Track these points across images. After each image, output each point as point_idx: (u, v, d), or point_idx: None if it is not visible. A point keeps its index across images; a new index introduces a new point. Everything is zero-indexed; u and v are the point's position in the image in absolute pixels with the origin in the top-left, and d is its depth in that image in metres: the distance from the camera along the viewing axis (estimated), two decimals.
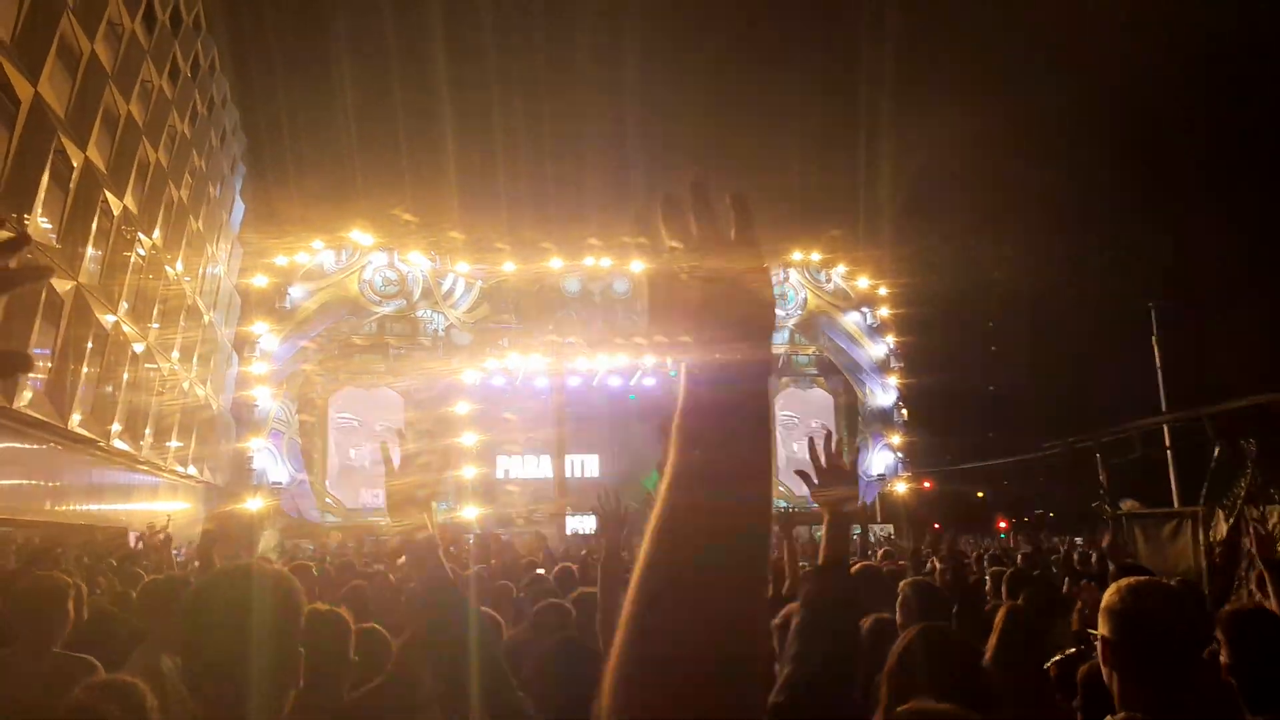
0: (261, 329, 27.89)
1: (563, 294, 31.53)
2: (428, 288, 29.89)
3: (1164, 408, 20.31)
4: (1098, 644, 2.17)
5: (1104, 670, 2.14)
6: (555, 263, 30.93)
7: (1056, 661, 3.52)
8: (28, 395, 14.75)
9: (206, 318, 25.73)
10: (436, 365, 29.00)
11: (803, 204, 36.62)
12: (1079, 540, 11.83)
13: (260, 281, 28.13)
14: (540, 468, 31.47)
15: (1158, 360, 21.12)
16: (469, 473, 28.55)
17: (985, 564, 8.18)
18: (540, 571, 6.90)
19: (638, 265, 31.14)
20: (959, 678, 2.40)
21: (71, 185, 16.35)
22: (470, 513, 27.57)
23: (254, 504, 25.30)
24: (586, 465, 32.77)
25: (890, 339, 32.57)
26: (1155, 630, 2.06)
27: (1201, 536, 6.99)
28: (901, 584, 4.08)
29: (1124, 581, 2.18)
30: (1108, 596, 2.15)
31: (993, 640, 3.76)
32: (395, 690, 2.78)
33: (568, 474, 30.97)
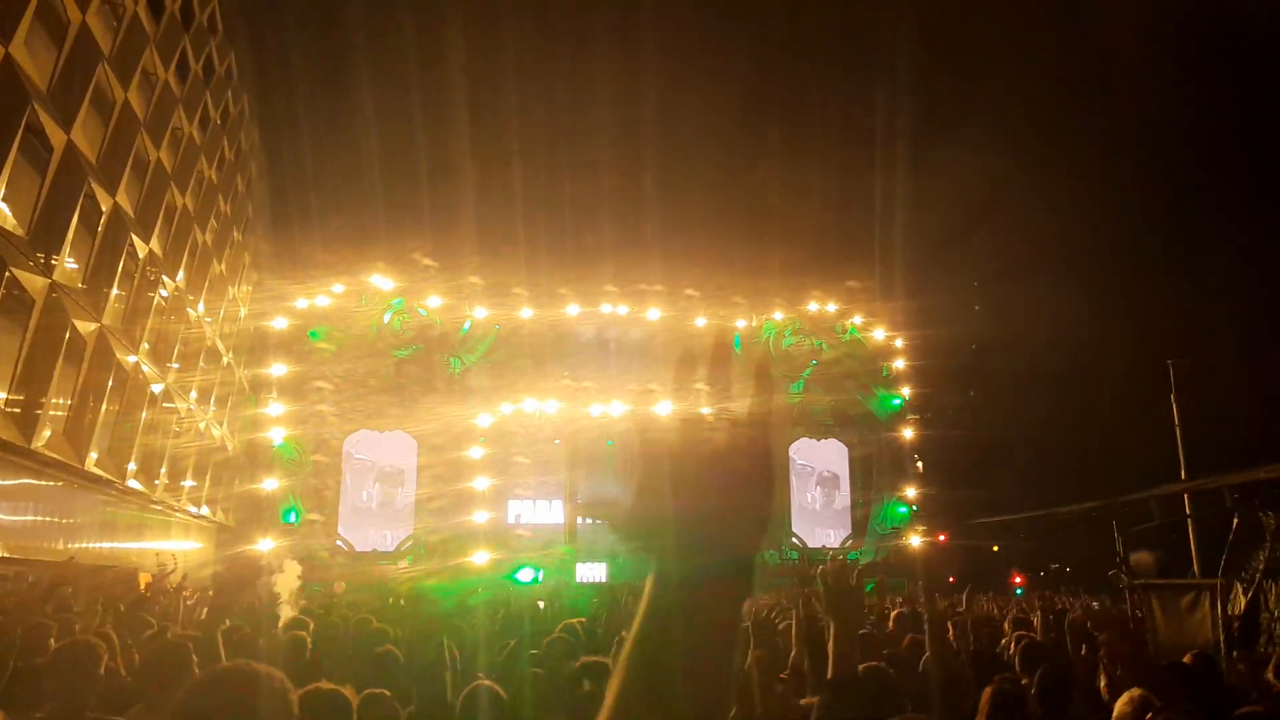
0: (279, 370, 28.11)
1: (577, 339, 31.68)
2: (444, 332, 30.07)
3: (1183, 469, 20.06)
4: None
5: None
6: (572, 309, 31.11)
7: None
8: (46, 434, 14.89)
9: (225, 359, 25.97)
10: (451, 409, 29.06)
11: (820, 253, 36.79)
12: (1094, 604, 11.68)
13: (280, 323, 28.41)
14: (552, 513, 31.33)
15: (1176, 419, 20.89)
16: (480, 517, 28.50)
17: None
18: None
19: (653, 313, 31.32)
20: None
21: (100, 228, 16.66)
22: (481, 557, 27.48)
23: (265, 545, 25.30)
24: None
25: (906, 390, 32.47)
26: None
27: (1219, 610, 6.88)
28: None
29: (1134, 692, 2.18)
30: (1119, 707, 2.15)
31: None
32: None
33: (579, 521, 30.84)
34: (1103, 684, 5.17)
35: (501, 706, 3.73)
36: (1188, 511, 13.83)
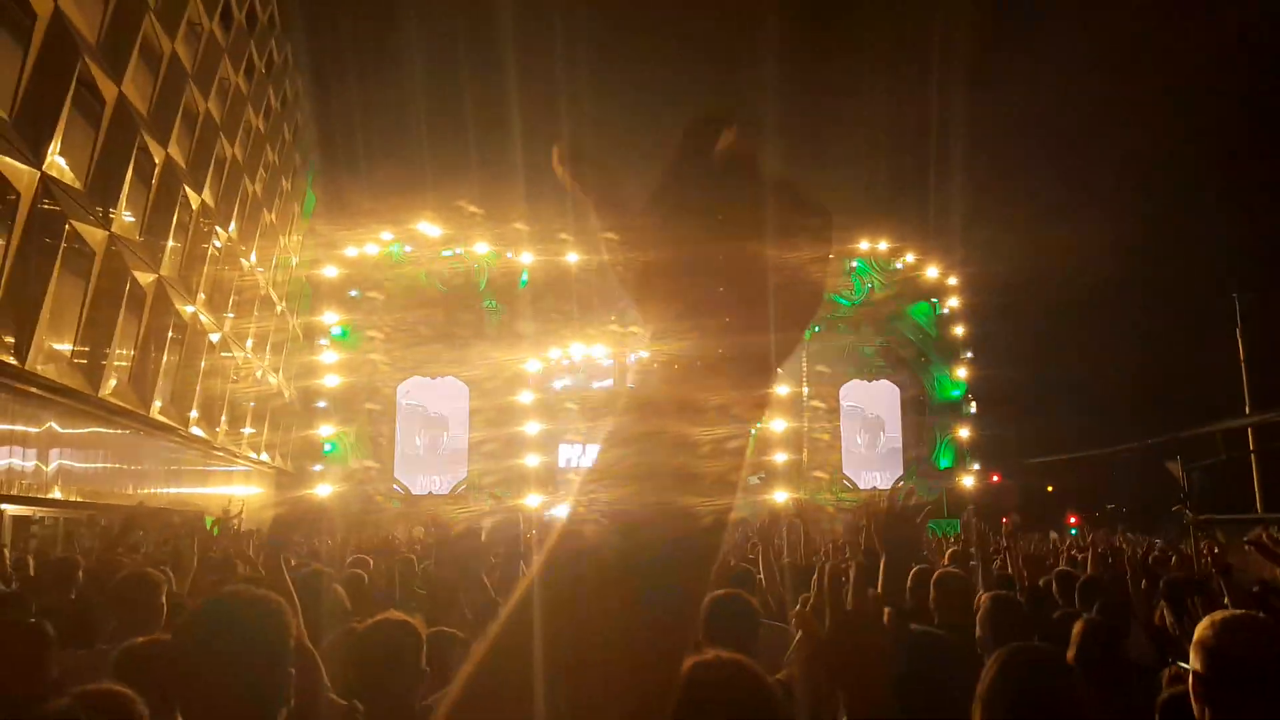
0: (331, 318, 28.51)
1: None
2: (493, 278, 30.18)
3: (1247, 404, 19.54)
4: (1189, 677, 2.10)
5: (1195, 705, 2.07)
6: None
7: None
8: (112, 383, 15.33)
9: (279, 307, 26.40)
10: (501, 355, 29.28)
11: (870, 188, 36.05)
12: (1158, 542, 11.44)
13: (331, 272, 28.74)
14: None
15: (1241, 354, 20.32)
16: (532, 461, 28.87)
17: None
18: None
19: None
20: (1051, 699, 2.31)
21: (154, 181, 16.91)
22: (533, 500, 27.89)
23: (323, 490, 25.94)
24: None
25: (960, 329, 31.91)
26: (1250, 668, 1.99)
27: None
28: (979, 598, 4.00)
29: (1218, 615, 2.11)
30: (1200, 630, 2.08)
31: (1071, 654, 3.67)
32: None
33: None
34: (1167, 619, 5.09)
35: None
36: (1251, 447, 13.49)
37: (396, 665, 2.74)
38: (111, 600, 3.92)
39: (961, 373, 31.69)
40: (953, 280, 32.15)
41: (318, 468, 25.89)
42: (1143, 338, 36.77)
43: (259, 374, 24.56)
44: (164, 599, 3.85)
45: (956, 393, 31.73)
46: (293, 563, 4.05)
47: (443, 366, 29.92)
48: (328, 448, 27.81)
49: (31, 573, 6.56)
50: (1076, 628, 3.79)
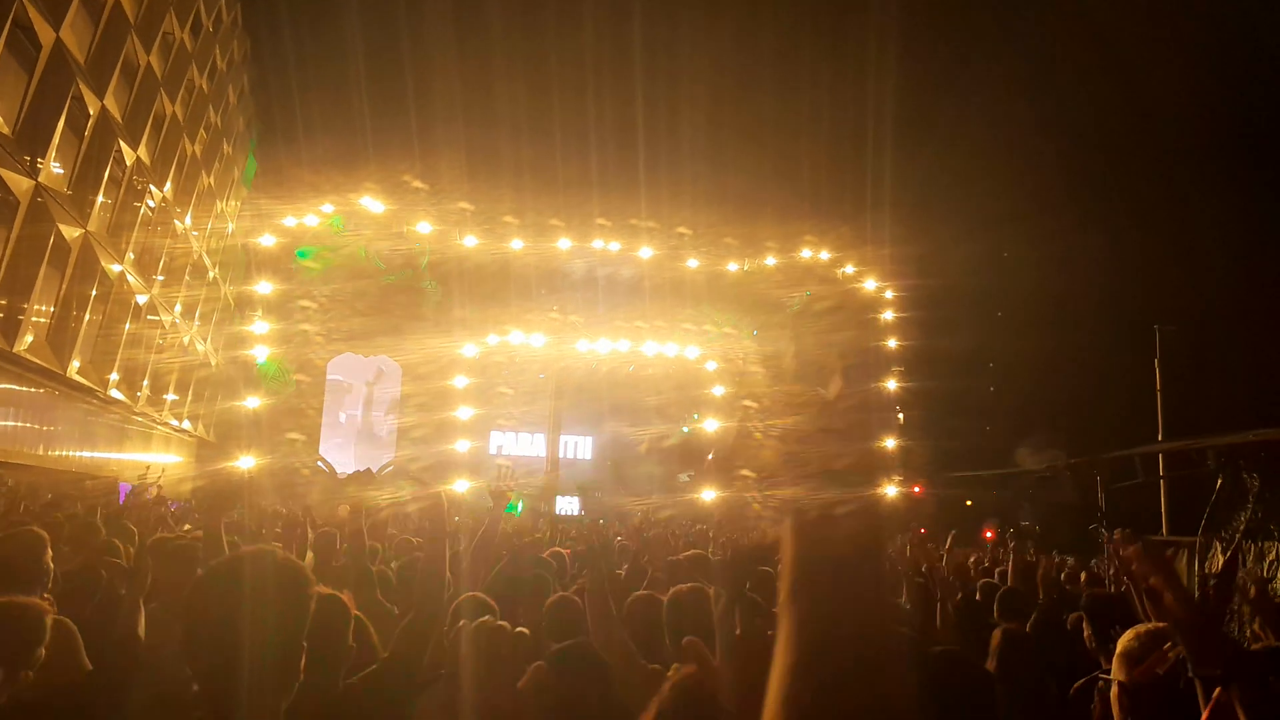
0: (265, 288, 27.80)
1: (568, 273, 31.46)
2: (434, 260, 29.78)
3: (1160, 430, 20.40)
4: (1114, 688, 2.19)
5: (1116, 713, 2.16)
6: (564, 243, 30.83)
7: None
8: (28, 339, 14.74)
9: (211, 274, 25.66)
10: (437, 339, 28.93)
11: (813, 194, 36.54)
12: (1069, 560, 11.87)
13: (268, 241, 28.02)
14: (534, 445, 31.59)
15: (1158, 383, 21.18)
16: (462, 446, 28.60)
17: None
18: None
19: (645, 251, 31.11)
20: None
21: (87, 133, 16.28)
22: (461, 486, 27.61)
23: (245, 462, 25.28)
24: (580, 446, 32.85)
25: (892, 341, 32.56)
26: (1170, 677, 2.07)
27: (1197, 567, 7.02)
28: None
29: (1141, 627, 2.20)
30: (1124, 642, 2.17)
31: (991, 664, 3.78)
32: (394, 674, 2.78)
33: (562, 454, 31.09)
34: (1085, 631, 5.27)
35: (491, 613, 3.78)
36: (1162, 472, 14.09)
37: (325, 640, 2.68)
38: None
39: (891, 384, 32.34)
40: (889, 294, 32.81)
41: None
42: (1067, 358, 37.95)
43: (186, 340, 23.85)
44: (49, 561, 3.70)
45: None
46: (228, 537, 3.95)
47: (376, 345, 29.44)
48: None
49: None
50: (995, 636, 3.91)
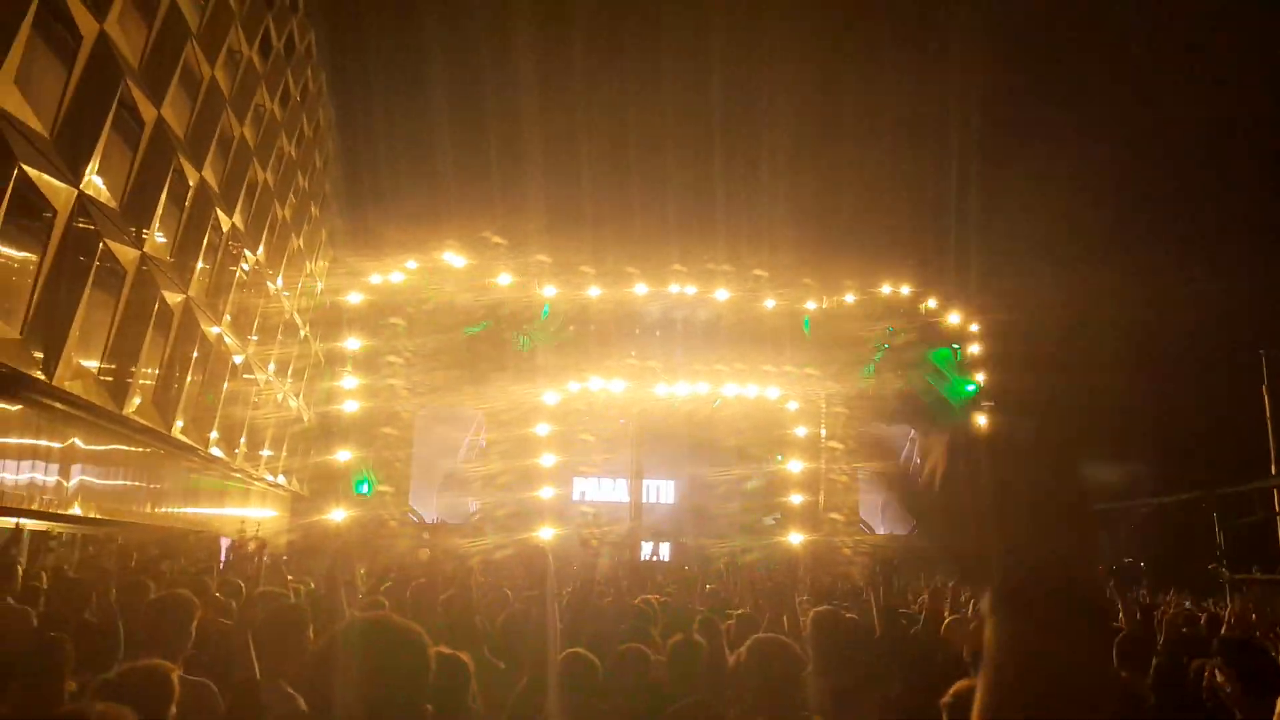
0: (353, 345, 28.65)
1: (644, 318, 31.63)
2: (514, 310, 30.28)
3: (1274, 463, 19.27)
4: None
5: None
6: (640, 288, 31.04)
7: None
8: (136, 401, 15.40)
9: (302, 332, 26.57)
10: (519, 387, 29.30)
11: (894, 232, 36.10)
12: (1186, 604, 11.18)
13: (355, 299, 28.93)
14: (616, 491, 31.59)
15: (1268, 412, 20.07)
16: (546, 493, 28.76)
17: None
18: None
19: (721, 293, 31.09)
20: None
21: (186, 203, 17.11)
22: (547, 533, 27.74)
23: (338, 515, 25.90)
24: (662, 491, 32.69)
25: (980, 376, 31.73)
26: None
27: None
28: None
29: None
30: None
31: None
32: None
33: (644, 499, 31.01)
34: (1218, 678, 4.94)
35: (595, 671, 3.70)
36: (1277, 508, 13.29)
37: (448, 700, 2.67)
38: (142, 621, 3.89)
39: (981, 420, 31.42)
40: (974, 327, 32.04)
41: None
42: (1165, 391, 36.31)
43: (280, 397, 24.66)
44: (194, 625, 3.81)
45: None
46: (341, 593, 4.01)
47: (461, 396, 29.96)
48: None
49: (45, 586, 6.53)
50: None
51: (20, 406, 12.35)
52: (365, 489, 28.20)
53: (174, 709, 2.63)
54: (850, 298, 31.74)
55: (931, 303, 32.03)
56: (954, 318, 31.98)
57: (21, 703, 3.37)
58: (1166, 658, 4.77)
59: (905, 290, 31.75)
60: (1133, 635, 5.76)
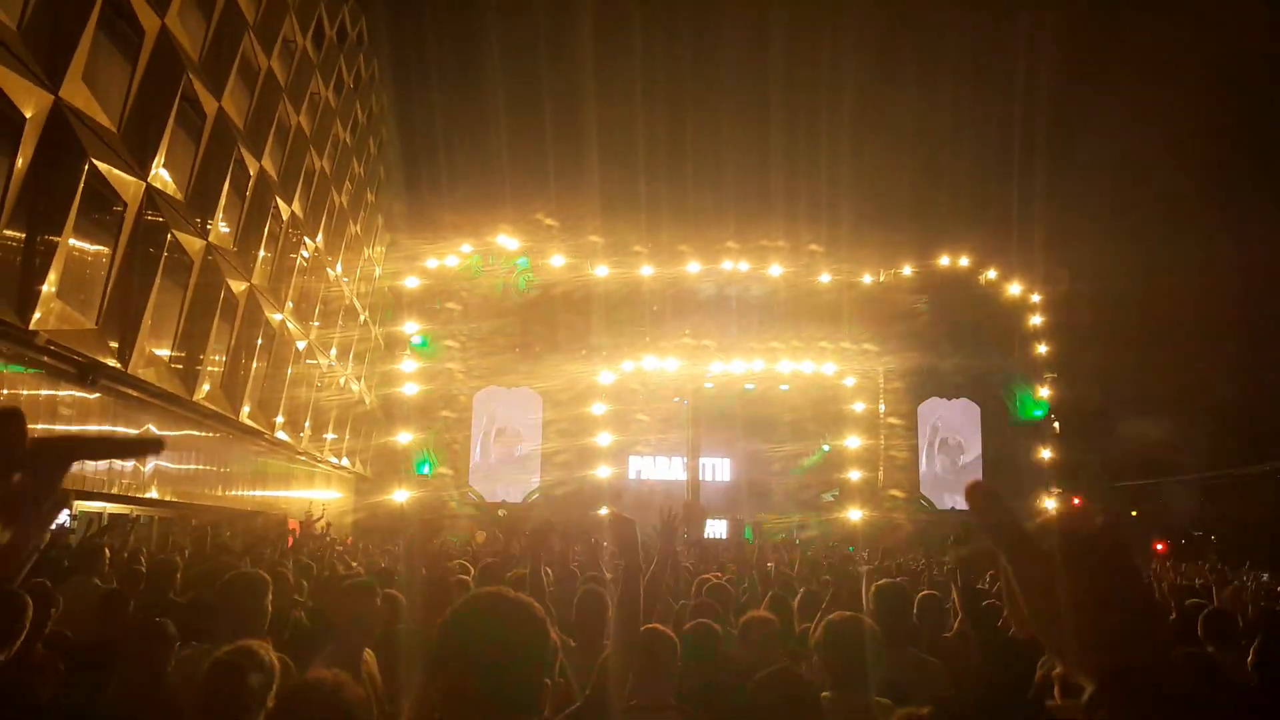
0: (412, 328, 29.07)
1: (698, 297, 31.55)
2: (565, 291, 30.43)
3: None
4: None
5: None
6: (693, 266, 30.95)
7: None
8: (205, 388, 15.82)
9: (362, 317, 27.00)
10: (575, 367, 29.49)
11: (953, 199, 35.36)
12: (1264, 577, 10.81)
13: (412, 283, 29.33)
14: (672, 469, 31.68)
15: None
16: (603, 472, 28.97)
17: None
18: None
19: (775, 269, 30.81)
20: None
21: (248, 192, 17.45)
22: (603, 512, 27.97)
23: (400, 495, 26.41)
24: (718, 469, 32.71)
25: (1043, 348, 31.07)
26: None
27: None
28: None
29: None
30: None
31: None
32: (596, 712, 2.77)
33: (701, 476, 31.05)
34: None
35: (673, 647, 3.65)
36: None
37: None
38: (218, 601, 4.00)
39: (1044, 392, 30.82)
40: (1036, 298, 31.35)
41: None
42: (1237, 361, 35.08)
43: (342, 381, 25.13)
44: (268, 602, 3.91)
45: (1039, 413, 30.84)
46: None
47: (518, 377, 30.26)
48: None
49: (144, 569, 6.77)
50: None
51: (98, 394, 12.76)
52: (426, 470, 28.70)
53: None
54: (908, 270, 31.26)
55: (991, 273, 31.38)
56: (1014, 288, 31.31)
57: (129, 680, 3.53)
58: (1268, 635, 4.54)
59: (964, 261, 31.16)
60: (1221, 612, 5.59)
